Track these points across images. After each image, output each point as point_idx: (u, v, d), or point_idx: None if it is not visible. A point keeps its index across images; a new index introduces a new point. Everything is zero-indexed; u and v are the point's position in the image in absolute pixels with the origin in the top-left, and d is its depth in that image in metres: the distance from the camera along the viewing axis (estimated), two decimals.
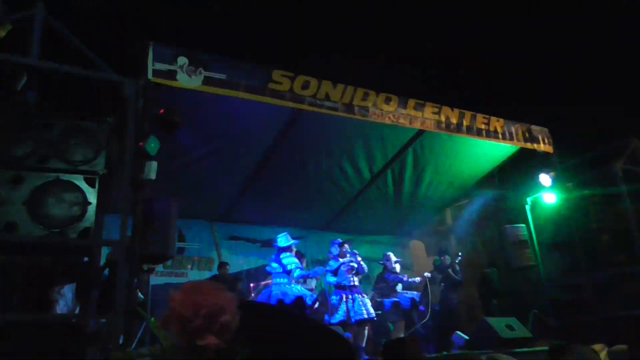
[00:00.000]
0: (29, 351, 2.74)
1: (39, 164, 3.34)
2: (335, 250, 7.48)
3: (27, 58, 4.00)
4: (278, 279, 7.26)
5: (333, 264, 7.35)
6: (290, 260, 7.32)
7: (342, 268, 7.24)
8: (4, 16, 4.01)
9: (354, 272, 7.26)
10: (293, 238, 7.62)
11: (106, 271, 4.74)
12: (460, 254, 8.95)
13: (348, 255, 7.43)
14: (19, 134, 3.41)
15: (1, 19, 3.98)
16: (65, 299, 4.50)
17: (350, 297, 7.05)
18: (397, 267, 8.53)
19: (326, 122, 6.85)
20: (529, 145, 7.69)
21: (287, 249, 7.43)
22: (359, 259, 7.46)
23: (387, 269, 8.51)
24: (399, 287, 8.48)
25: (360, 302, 7.03)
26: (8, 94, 4.38)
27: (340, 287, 7.18)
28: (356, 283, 7.27)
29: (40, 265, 3.51)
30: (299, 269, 7.31)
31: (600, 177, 7.70)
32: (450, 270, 8.63)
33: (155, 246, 4.82)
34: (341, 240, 7.66)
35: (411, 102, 6.74)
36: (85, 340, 3.06)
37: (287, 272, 7.24)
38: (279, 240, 7.50)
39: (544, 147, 7.83)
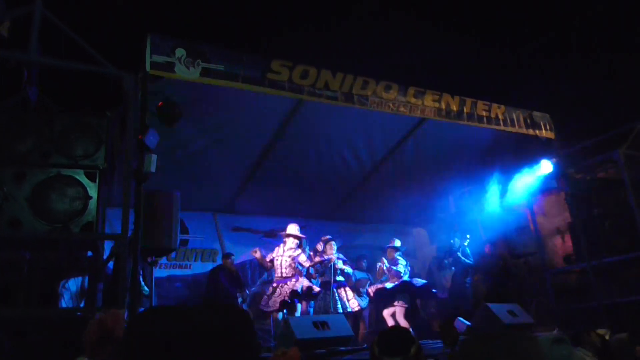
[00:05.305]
0: (35, 345, 2.80)
1: (40, 160, 3.37)
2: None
3: (27, 54, 4.00)
4: None
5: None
6: None
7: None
8: (3, 14, 4.01)
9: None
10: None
11: (111, 264, 4.81)
12: (468, 236, 8.86)
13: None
14: (20, 130, 3.44)
15: (1, 17, 3.98)
16: (70, 293, 4.57)
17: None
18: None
19: (326, 112, 6.84)
20: (530, 132, 7.65)
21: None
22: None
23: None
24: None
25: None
26: (10, 90, 4.41)
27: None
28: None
29: (45, 260, 3.56)
30: None
31: (602, 163, 7.69)
32: (459, 253, 8.57)
33: (157, 239, 4.88)
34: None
35: (411, 90, 6.70)
36: None
37: None
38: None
39: (545, 133, 7.80)
